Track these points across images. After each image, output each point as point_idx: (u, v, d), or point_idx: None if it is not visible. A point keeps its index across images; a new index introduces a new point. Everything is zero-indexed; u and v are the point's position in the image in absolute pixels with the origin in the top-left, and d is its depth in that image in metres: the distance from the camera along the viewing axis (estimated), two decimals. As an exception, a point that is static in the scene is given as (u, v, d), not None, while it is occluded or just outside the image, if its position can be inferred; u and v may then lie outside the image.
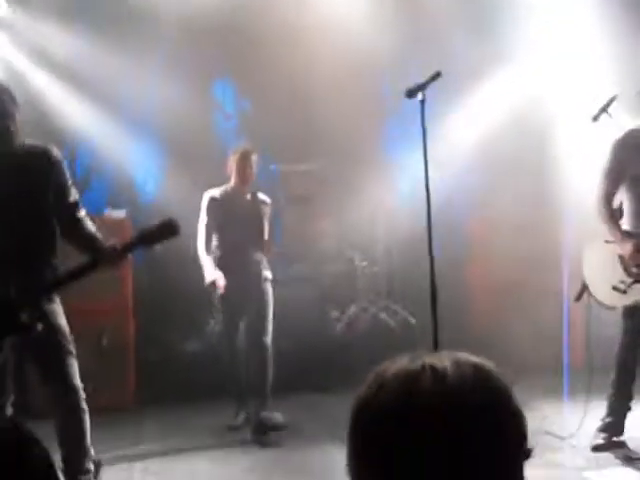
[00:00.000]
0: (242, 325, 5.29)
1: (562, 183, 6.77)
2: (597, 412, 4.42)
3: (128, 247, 3.38)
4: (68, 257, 3.55)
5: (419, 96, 3.72)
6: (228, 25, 7.38)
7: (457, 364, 1.00)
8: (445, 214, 7.51)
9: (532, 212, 7.11)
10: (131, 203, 7.05)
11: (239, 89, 7.90)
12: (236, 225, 5.22)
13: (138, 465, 4.59)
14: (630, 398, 4.37)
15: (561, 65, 7.18)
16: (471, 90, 7.52)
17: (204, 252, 5.20)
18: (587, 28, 6.82)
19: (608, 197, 4.27)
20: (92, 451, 3.55)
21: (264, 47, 7.32)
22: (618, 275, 4.22)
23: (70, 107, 6.83)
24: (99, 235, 3.49)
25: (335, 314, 7.07)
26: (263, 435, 4.93)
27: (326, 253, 7.34)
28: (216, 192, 5.34)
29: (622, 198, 4.35)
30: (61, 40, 6.63)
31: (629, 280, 4.19)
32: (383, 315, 7.06)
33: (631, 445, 4.35)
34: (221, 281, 5.06)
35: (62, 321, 3.48)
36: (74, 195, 3.56)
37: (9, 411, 3.39)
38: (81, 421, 3.48)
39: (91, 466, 3.54)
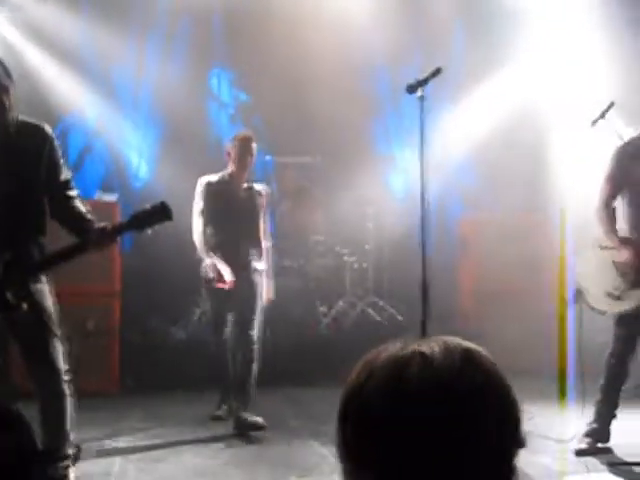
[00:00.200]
0: (230, 316, 5.15)
1: (556, 188, 6.77)
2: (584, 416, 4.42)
3: (119, 229, 3.34)
4: (60, 238, 3.48)
5: (419, 92, 3.68)
6: (229, 14, 7.34)
7: (446, 349, 0.99)
8: (438, 214, 7.54)
9: (525, 216, 7.12)
10: (123, 187, 7.00)
11: (236, 79, 7.86)
12: (230, 214, 5.08)
13: (119, 452, 4.55)
14: (616, 406, 4.37)
15: (558, 70, 7.18)
16: (468, 92, 7.53)
17: (201, 240, 5.05)
18: (585, 33, 6.83)
19: (608, 203, 4.28)
20: (72, 436, 3.50)
21: (262, 39, 7.30)
22: (612, 281, 4.22)
23: (65, 87, 6.76)
24: (90, 216, 3.43)
25: (323, 309, 7.05)
26: (242, 434, 4.86)
27: (316, 247, 7.31)
28: (212, 178, 5.16)
29: (617, 205, 4.35)
30: (58, 19, 6.58)
31: (623, 286, 4.18)
32: (370, 311, 7.05)
33: (617, 452, 4.35)
34: (229, 276, 4.94)
35: (49, 302, 3.42)
36: (66, 174, 3.50)
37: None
38: (63, 405, 3.43)
39: (70, 451, 3.49)
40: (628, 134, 4.41)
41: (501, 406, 0.99)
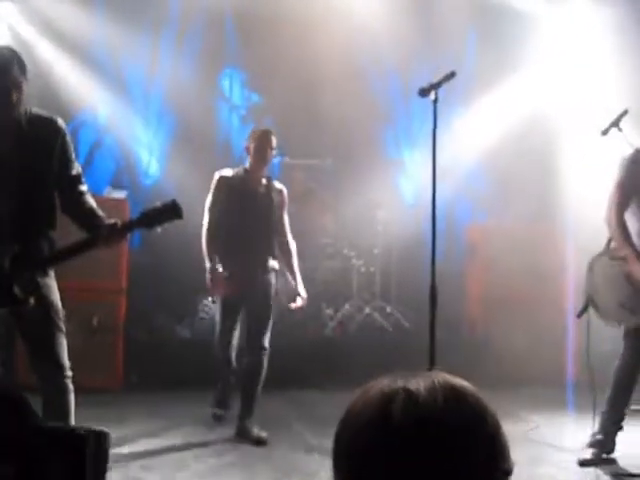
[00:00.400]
0: (241, 316, 4.94)
1: (565, 195, 6.75)
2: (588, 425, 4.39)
3: (128, 226, 3.31)
4: (70, 233, 3.47)
5: (432, 95, 3.66)
6: (240, 16, 7.36)
7: (432, 386, 1.00)
8: (446, 220, 7.52)
9: (534, 224, 7.10)
10: (132, 184, 7.02)
11: (247, 80, 7.87)
12: (244, 210, 4.85)
13: (121, 449, 4.54)
14: (622, 418, 4.33)
15: (569, 77, 7.17)
16: (479, 97, 7.51)
17: (207, 239, 4.83)
18: (596, 41, 6.82)
19: (619, 212, 4.23)
20: (76, 431, 3.49)
21: (274, 41, 7.30)
22: (625, 292, 4.16)
23: (77, 83, 6.78)
24: (100, 212, 3.42)
25: (329, 312, 7.03)
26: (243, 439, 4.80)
27: (324, 249, 7.30)
28: (228, 172, 4.95)
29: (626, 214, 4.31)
30: (72, 16, 6.59)
31: (637, 299, 4.12)
32: (377, 316, 7.03)
33: (622, 463, 4.32)
34: (221, 289, 4.75)
35: (55, 297, 3.41)
36: (77, 168, 3.49)
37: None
38: (66, 400, 3.41)
39: (74, 446, 3.48)
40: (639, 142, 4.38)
41: (480, 446, 0.98)
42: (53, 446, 1.56)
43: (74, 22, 6.61)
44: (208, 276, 4.75)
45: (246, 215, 4.85)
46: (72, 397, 3.44)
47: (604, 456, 4.32)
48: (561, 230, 6.81)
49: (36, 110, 3.42)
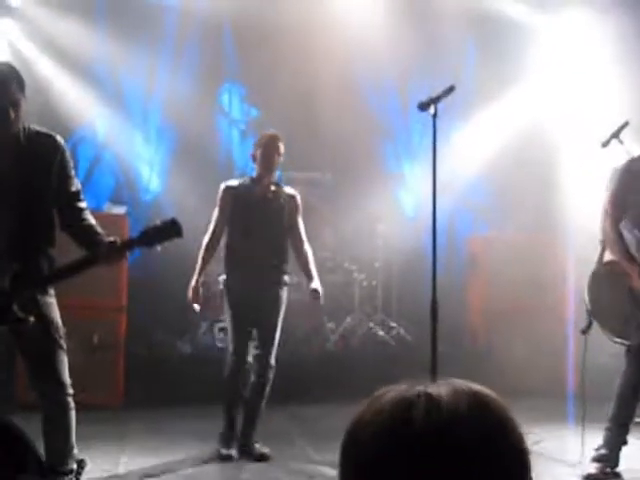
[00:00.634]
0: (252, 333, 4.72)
1: (566, 206, 6.74)
2: (591, 439, 4.36)
3: (128, 245, 3.30)
4: (69, 251, 3.46)
5: (431, 110, 3.67)
6: (238, 30, 7.38)
7: (454, 393, 0.95)
8: (447, 232, 7.52)
9: (534, 235, 7.10)
10: (132, 200, 7.01)
11: (246, 94, 7.88)
12: (251, 221, 4.65)
13: (121, 466, 4.51)
14: (627, 432, 4.29)
15: (569, 89, 7.18)
16: (478, 110, 7.53)
17: (202, 252, 4.70)
18: (596, 51, 6.82)
19: (616, 224, 4.20)
20: (76, 450, 3.47)
21: (273, 54, 7.32)
22: (630, 308, 4.12)
23: (76, 99, 6.80)
24: (99, 229, 3.40)
25: (331, 326, 7.01)
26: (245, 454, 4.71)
27: (324, 263, 7.28)
28: (234, 182, 4.80)
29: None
30: (71, 31, 6.62)
31: None
32: (378, 329, 7.01)
33: (626, 477, 4.28)
34: (196, 305, 4.62)
35: (55, 315, 3.40)
36: (76, 185, 3.48)
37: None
38: (67, 418, 3.40)
39: (74, 465, 3.45)
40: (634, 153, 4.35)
41: (506, 455, 0.95)
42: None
43: (73, 38, 6.63)
44: (191, 288, 4.62)
45: (253, 226, 4.67)
46: (73, 414, 3.43)
47: (608, 470, 4.28)
48: (562, 241, 6.80)
49: (35, 127, 3.42)
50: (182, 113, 7.07)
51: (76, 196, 3.46)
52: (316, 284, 4.78)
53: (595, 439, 4.32)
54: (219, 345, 6.37)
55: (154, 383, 5.97)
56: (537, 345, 6.47)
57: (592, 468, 4.28)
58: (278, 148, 4.73)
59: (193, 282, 4.65)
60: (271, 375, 4.70)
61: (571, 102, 7.15)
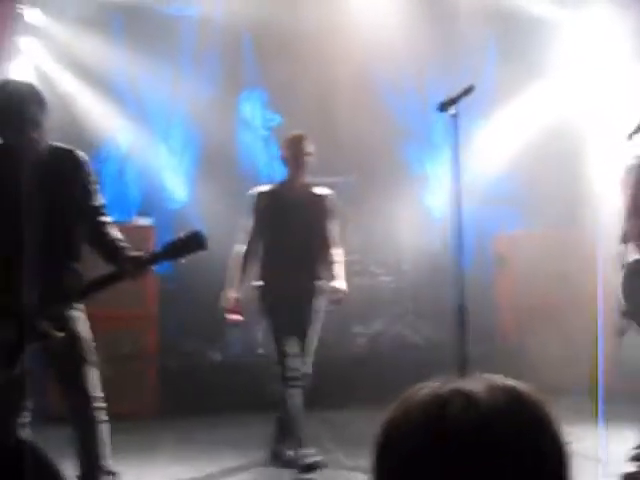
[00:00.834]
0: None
1: (593, 201, 6.65)
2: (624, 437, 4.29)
3: (153, 259, 3.32)
4: (96, 267, 3.48)
5: (451, 110, 3.64)
6: (258, 37, 7.41)
7: (490, 389, 0.94)
8: (474, 231, 7.46)
9: (562, 230, 7.02)
10: (159, 211, 7.06)
11: (268, 101, 7.89)
12: (284, 226, 4.53)
13: (154, 477, 4.54)
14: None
15: (594, 82, 7.08)
16: (500, 107, 7.46)
17: (234, 262, 4.59)
18: (620, 45, 6.73)
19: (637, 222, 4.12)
20: (109, 462, 3.49)
21: (292, 60, 7.32)
22: None
23: (100, 114, 6.87)
24: (124, 243, 3.42)
25: (358, 329, 6.99)
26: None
27: (350, 267, 7.26)
28: (264, 188, 4.68)
29: None
30: (92, 46, 6.68)
31: None
32: (408, 331, 6.98)
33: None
34: (237, 316, 4.54)
35: (84, 329, 3.43)
36: (100, 199, 3.51)
37: (27, 419, 3.33)
38: (99, 432, 3.42)
39: (109, 478, 3.48)
40: None
41: (548, 449, 0.93)
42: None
43: (94, 54, 6.70)
44: (230, 299, 4.54)
45: (286, 231, 4.54)
46: (104, 428, 3.44)
47: (648, 469, 4.20)
48: (590, 235, 6.71)
49: (57, 144, 3.46)
50: (205, 122, 7.11)
51: (100, 210, 3.49)
52: (341, 284, 4.62)
53: (629, 438, 4.25)
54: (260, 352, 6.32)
55: (185, 392, 6.00)
56: (569, 342, 6.39)
57: (631, 467, 4.20)
58: (305, 147, 4.62)
59: (233, 293, 4.56)
60: (306, 382, 4.62)
61: (596, 95, 7.06)
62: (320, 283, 4.68)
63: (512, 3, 7.25)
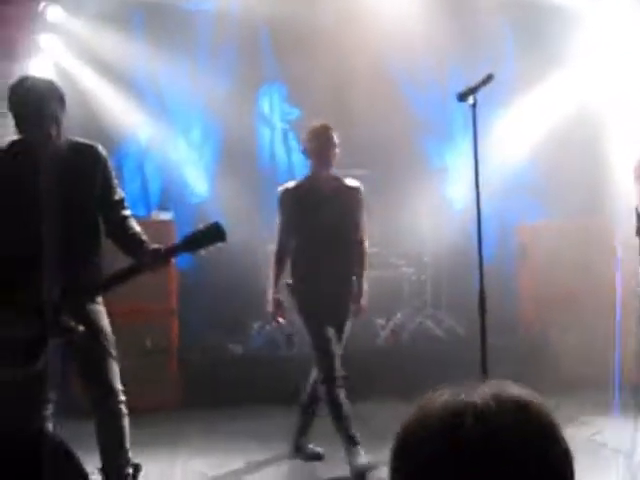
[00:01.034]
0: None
1: (615, 191, 6.57)
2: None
3: (172, 251, 3.34)
4: (117, 259, 3.50)
5: (470, 100, 3.60)
6: (275, 31, 7.40)
7: (498, 400, 0.99)
8: (497, 222, 7.41)
9: (585, 219, 6.95)
10: (179, 204, 7.09)
11: (287, 94, 7.88)
12: (313, 222, 4.40)
13: (176, 469, 4.57)
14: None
15: (613, 72, 7.00)
16: (521, 96, 7.39)
17: (274, 264, 4.51)
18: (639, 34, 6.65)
19: None
20: (130, 454, 3.52)
21: (310, 53, 7.30)
22: None
23: (120, 107, 6.90)
24: (144, 237, 3.44)
25: (380, 322, 6.97)
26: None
27: (372, 260, 7.24)
28: (291, 184, 4.55)
29: None
30: (111, 41, 6.71)
31: None
32: (429, 323, 6.95)
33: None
34: (280, 319, 4.49)
35: (105, 322, 3.46)
36: (120, 193, 3.54)
37: (49, 411, 3.36)
38: (121, 425, 3.45)
39: (130, 470, 3.51)
40: None
41: (552, 458, 0.97)
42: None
43: (114, 49, 6.72)
44: (270, 302, 4.49)
45: (316, 227, 4.41)
46: (126, 421, 3.47)
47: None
48: (612, 224, 6.65)
49: (76, 139, 3.49)
50: (224, 116, 7.13)
51: (120, 204, 3.51)
52: (362, 299, 4.59)
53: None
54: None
55: (206, 385, 6.03)
56: (591, 333, 6.33)
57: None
58: (332, 139, 4.46)
59: (271, 295, 4.50)
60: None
61: (616, 85, 6.97)
62: (354, 279, 4.57)
63: (529, -8, 7.19)
